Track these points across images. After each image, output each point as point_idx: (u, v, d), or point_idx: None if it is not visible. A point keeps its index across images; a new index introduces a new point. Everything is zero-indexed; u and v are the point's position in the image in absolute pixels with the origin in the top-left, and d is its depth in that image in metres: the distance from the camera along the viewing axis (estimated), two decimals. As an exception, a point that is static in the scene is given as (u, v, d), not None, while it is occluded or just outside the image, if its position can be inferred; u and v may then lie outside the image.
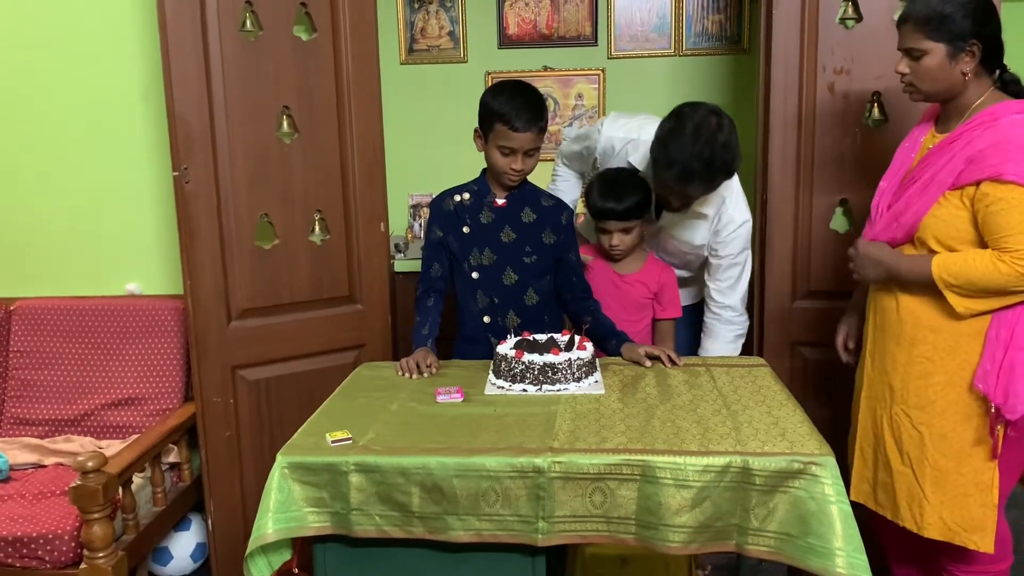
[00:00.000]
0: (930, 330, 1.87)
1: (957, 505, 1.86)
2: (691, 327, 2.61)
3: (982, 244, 1.79)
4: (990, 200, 1.73)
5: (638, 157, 2.41)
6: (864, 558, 1.48)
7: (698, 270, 2.57)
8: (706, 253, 2.46)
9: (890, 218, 1.93)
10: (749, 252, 2.47)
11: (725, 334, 2.48)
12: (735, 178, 2.35)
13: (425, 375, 2.08)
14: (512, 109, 2.09)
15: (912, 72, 1.84)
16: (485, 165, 2.25)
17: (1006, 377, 1.77)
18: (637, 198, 2.30)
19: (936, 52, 1.79)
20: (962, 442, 1.85)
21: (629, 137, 2.43)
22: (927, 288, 1.83)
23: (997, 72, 1.86)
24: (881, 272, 1.92)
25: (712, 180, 2.21)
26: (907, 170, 1.95)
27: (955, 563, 1.99)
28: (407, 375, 2.08)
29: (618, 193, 2.31)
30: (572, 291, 2.31)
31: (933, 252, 1.84)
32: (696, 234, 2.44)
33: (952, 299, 1.79)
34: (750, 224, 2.44)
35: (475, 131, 2.21)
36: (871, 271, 1.94)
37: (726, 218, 2.40)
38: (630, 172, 2.35)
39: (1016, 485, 1.98)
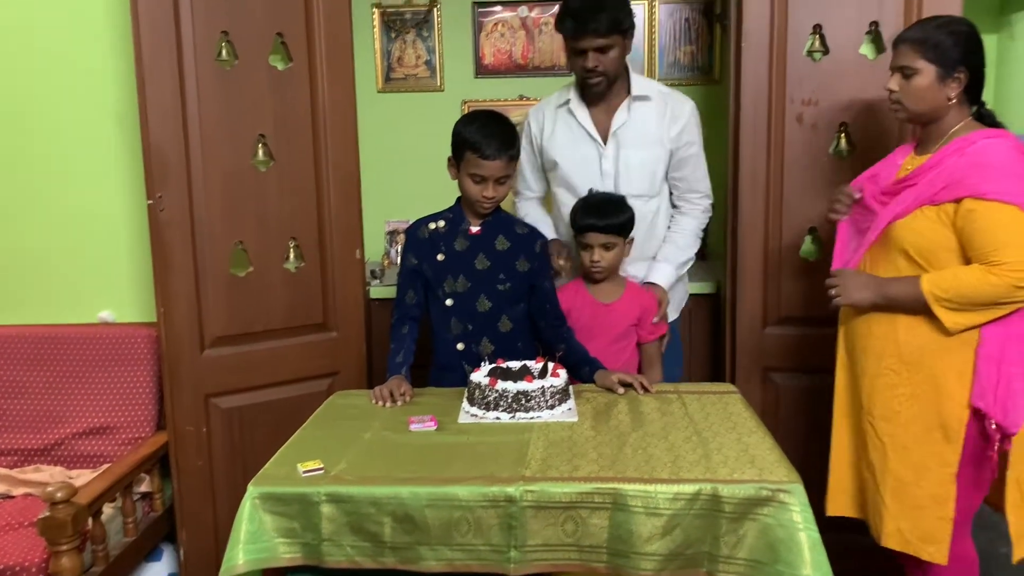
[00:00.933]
0: (895, 343, 1.93)
1: (914, 516, 1.91)
2: (677, 337, 2.68)
3: (959, 257, 1.86)
4: (974, 218, 1.80)
5: (547, 102, 2.58)
6: (831, 583, 1.50)
7: (660, 186, 2.55)
8: (669, 147, 2.49)
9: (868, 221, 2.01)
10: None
11: (693, 227, 2.58)
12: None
13: (399, 403, 2.08)
14: (483, 138, 2.12)
15: (902, 90, 1.93)
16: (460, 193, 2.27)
17: (1004, 394, 1.82)
18: (620, 217, 2.33)
19: (927, 73, 1.88)
20: (923, 455, 1.90)
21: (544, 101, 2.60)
22: (914, 309, 1.88)
23: (976, 107, 1.95)
24: (868, 294, 1.96)
25: (605, 8, 2.28)
26: (888, 183, 2.00)
27: None
28: (381, 403, 2.09)
29: (601, 209, 2.35)
30: (546, 318, 2.32)
31: (912, 262, 1.91)
32: (650, 124, 2.47)
33: (942, 314, 1.83)
34: (695, 106, 2.55)
35: (448, 160, 2.23)
36: (858, 294, 1.97)
37: (673, 100, 2.50)
38: (614, 196, 2.39)
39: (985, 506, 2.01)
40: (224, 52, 2.39)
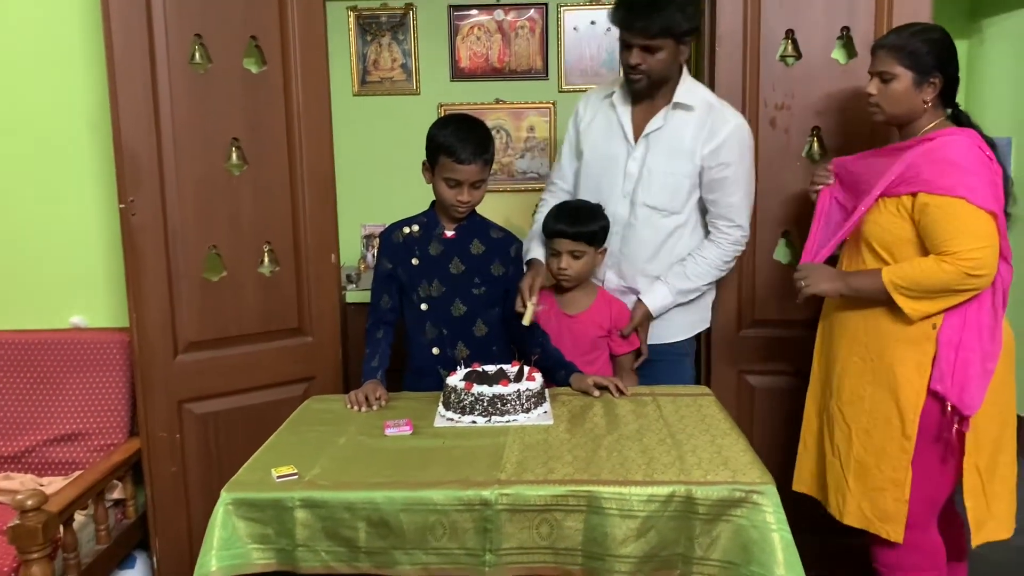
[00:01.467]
0: (864, 332, 2.05)
1: (874, 497, 2.03)
2: (690, 361, 2.54)
3: (919, 249, 1.96)
4: (928, 211, 1.91)
5: (599, 90, 2.49)
6: (804, 584, 1.51)
7: (684, 205, 2.34)
8: (699, 164, 2.28)
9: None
10: (752, 165, 2.35)
11: (713, 257, 2.35)
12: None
13: (374, 408, 2.08)
14: (457, 142, 2.12)
15: (880, 94, 2.03)
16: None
17: (960, 378, 1.92)
18: (591, 226, 2.29)
19: (904, 78, 1.99)
20: (883, 440, 2.01)
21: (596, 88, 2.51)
22: (878, 299, 1.98)
23: (951, 110, 2.06)
24: (834, 285, 2.06)
25: (662, 8, 2.13)
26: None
27: (886, 567, 2.09)
28: (356, 408, 2.08)
29: (573, 216, 2.31)
30: (519, 319, 2.31)
31: (875, 255, 2.02)
32: (685, 136, 2.28)
33: (902, 302, 1.93)
34: (746, 127, 2.32)
35: (423, 163, 2.23)
36: (824, 284, 2.06)
37: (717, 115, 2.28)
38: (590, 204, 2.34)
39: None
40: (197, 55, 2.37)
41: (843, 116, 2.48)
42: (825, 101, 2.49)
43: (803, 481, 2.26)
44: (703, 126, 2.28)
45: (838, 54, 2.49)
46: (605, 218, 2.34)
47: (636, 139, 2.34)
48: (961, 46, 4.23)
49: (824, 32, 2.48)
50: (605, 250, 2.37)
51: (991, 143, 1.99)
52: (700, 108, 2.29)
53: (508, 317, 2.31)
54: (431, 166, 2.20)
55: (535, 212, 2.57)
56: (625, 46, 2.23)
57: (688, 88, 2.32)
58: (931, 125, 2.02)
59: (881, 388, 2.01)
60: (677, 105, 2.30)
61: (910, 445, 1.98)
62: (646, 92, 2.30)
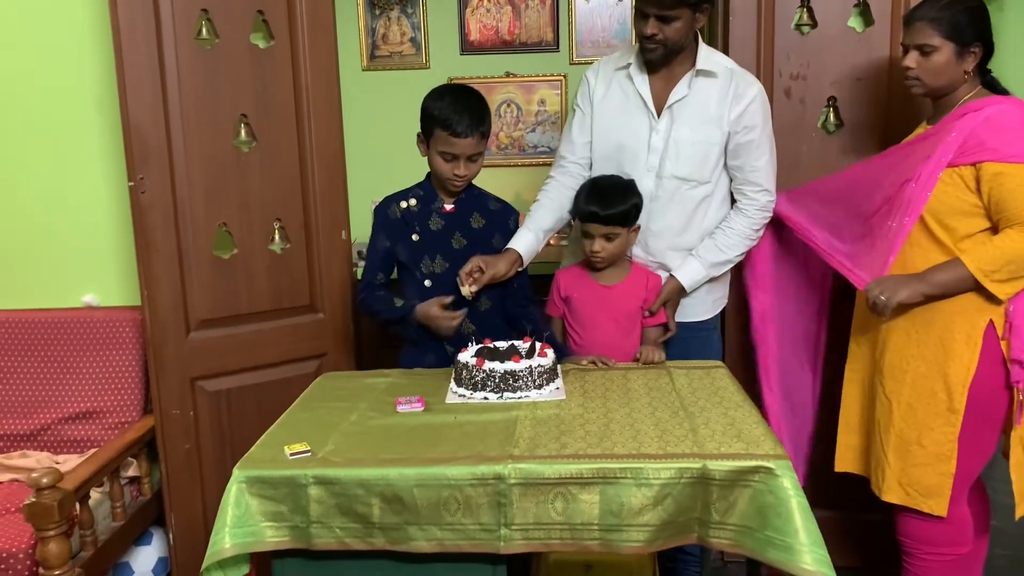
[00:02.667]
0: (911, 305, 1.97)
1: (916, 473, 1.99)
2: (718, 335, 2.52)
3: (976, 219, 1.91)
4: (1002, 181, 1.86)
5: (610, 60, 2.39)
6: (825, 552, 1.50)
7: (712, 173, 2.29)
8: (727, 130, 2.24)
9: (884, 194, 2.04)
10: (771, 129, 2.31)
11: (742, 226, 2.30)
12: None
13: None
14: (453, 114, 2.08)
15: (919, 67, 1.98)
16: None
17: None
18: (623, 206, 2.21)
19: (946, 49, 1.94)
20: (927, 414, 1.97)
21: (604, 59, 2.41)
22: (962, 290, 1.92)
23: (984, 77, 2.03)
24: (915, 288, 1.94)
25: None
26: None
27: (915, 541, 2.06)
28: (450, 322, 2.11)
29: (605, 198, 2.22)
30: (513, 296, 2.30)
31: (924, 228, 1.96)
32: (711, 103, 2.24)
33: (995, 288, 1.88)
34: (764, 90, 2.29)
35: (418, 135, 2.19)
36: (904, 291, 1.94)
37: (740, 79, 2.24)
38: (622, 181, 2.25)
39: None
40: (204, 31, 2.35)
41: (859, 86, 2.44)
42: (841, 71, 2.45)
43: (845, 460, 2.21)
44: (728, 91, 2.23)
45: (854, 22, 2.44)
46: (638, 195, 2.25)
47: (659, 111, 2.27)
48: (980, 12, 4.19)
49: (840, 0, 2.43)
50: (639, 227, 2.29)
51: None
52: (722, 74, 2.24)
53: (505, 292, 2.29)
54: (426, 138, 2.16)
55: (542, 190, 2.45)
56: (641, 15, 2.16)
57: (707, 55, 2.26)
58: (971, 94, 1.98)
59: (927, 361, 1.97)
60: (700, 72, 2.24)
61: (957, 419, 1.94)
62: (662, 62, 2.24)
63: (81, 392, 2.62)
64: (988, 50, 1.97)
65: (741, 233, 2.30)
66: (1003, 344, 1.92)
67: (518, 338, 2.12)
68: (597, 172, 2.34)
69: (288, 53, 2.48)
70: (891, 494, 2.02)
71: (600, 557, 2.15)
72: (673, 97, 2.25)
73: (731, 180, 2.32)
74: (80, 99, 2.65)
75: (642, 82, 2.28)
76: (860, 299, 2.17)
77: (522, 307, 2.30)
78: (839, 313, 2.36)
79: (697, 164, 2.26)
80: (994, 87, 2.01)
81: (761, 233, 2.35)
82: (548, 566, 2.23)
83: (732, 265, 2.36)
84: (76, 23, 2.60)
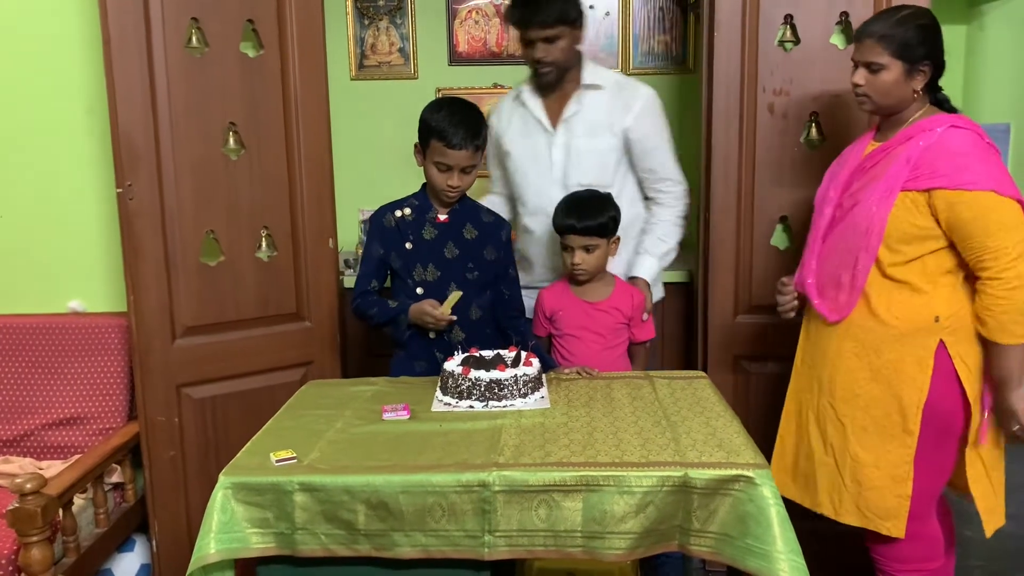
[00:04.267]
0: (860, 328, 1.97)
1: (873, 495, 1.97)
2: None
3: (926, 244, 1.89)
4: (959, 209, 1.83)
5: (506, 97, 2.64)
6: (802, 560, 1.53)
7: (613, 177, 2.51)
8: (621, 137, 2.49)
9: (841, 217, 2.02)
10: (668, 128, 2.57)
11: (670, 216, 2.58)
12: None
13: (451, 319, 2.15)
14: (449, 126, 2.11)
15: (868, 84, 1.95)
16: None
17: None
18: (601, 218, 2.28)
19: (894, 68, 1.91)
20: (881, 437, 1.96)
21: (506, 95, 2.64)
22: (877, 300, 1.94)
23: (934, 94, 2.00)
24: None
25: (551, 0, 2.33)
26: (850, 171, 2.05)
27: (886, 559, 2.06)
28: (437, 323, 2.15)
29: (581, 209, 2.29)
30: (504, 307, 2.33)
31: (891, 250, 1.92)
32: (600, 113, 2.48)
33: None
34: (656, 95, 2.55)
35: (415, 146, 2.23)
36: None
37: (628, 89, 2.52)
38: (599, 194, 2.34)
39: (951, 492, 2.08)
40: (194, 39, 2.36)
41: (841, 103, 2.47)
42: (823, 87, 2.49)
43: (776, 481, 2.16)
44: (616, 100, 2.49)
45: (837, 39, 2.49)
46: (615, 208, 2.33)
47: (555, 127, 2.50)
48: (960, 31, 4.25)
49: (823, 17, 2.47)
50: (618, 239, 2.37)
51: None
52: (610, 87, 2.50)
53: (496, 303, 2.32)
54: (422, 149, 2.19)
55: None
56: (528, 43, 2.40)
57: (592, 70, 2.52)
58: (919, 113, 1.96)
59: (880, 384, 1.95)
60: (587, 87, 2.49)
61: (912, 441, 1.92)
62: (556, 82, 2.47)
63: (66, 398, 2.61)
64: (938, 68, 1.95)
65: (672, 222, 2.58)
66: (957, 363, 1.90)
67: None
68: (516, 193, 2.61)
69: (278, 62, 2.49)
70: (849, 516, 2.00)
71: (583, 564, 2.16)
72: (567, 113, 2.50)
73: (642, 181, 2.59)
74: (70, 105, 2.65)
75: (535, 104, 2.53)
76: (805, 320, 2.15)
77: (513, 319, 2.33)
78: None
79: (598, 170, 2.49)
80: (942, 105, 1.99)
81: (687, 220, 2.61)
82: (532, 572, 2.24)
83: (675, 253, 2.62)
84: (67, 30, 2.61)
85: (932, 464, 1.96)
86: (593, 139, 2.48)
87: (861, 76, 1.95)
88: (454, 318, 2.15)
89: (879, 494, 1.96)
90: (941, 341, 1.90)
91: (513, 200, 2.68)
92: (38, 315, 2.71)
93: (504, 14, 2.46)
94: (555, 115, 2.51)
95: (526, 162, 2.54)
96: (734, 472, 1.57)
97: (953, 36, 4.37)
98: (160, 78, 2.32)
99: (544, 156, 2.51)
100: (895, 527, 1.96)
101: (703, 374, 2.23)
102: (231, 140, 2.45)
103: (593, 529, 1.59)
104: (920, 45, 1.90)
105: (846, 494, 2.00)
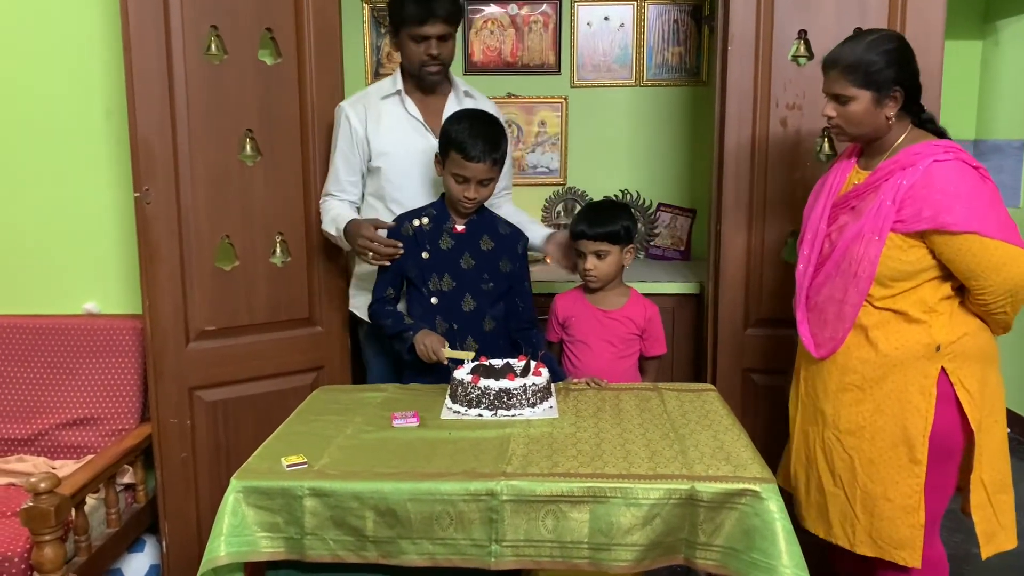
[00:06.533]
0: (860, 360, 1.95)
1: (886, 526, 1.94)
2: None
3: (923, 275, 1.88)
4: (947, 250, 1.84)
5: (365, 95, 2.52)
6: (807, 575, 1.53)
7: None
8: None
9: (829, 250, 2.00)
10: None
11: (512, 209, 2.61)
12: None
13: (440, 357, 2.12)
14: (468, 139, 2.13)
15: (839, 116, 1.92)
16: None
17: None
18: (613, 225, 2.30)
19: (863, 98, 1.88)
20: (889, 468, 1.93)
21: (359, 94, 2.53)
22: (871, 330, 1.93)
23: (916, 115, 1.97)
24: None
25: None
26: (834, 201, 2.03)
27: None
28: (431, 354, 2.12)
29: (595, 216, 2.33)
30: (518, 318, 2.35)
31: (882, 286, 1.91)
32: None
33: None
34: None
35: (435, 156, 2.25)
36: None
37: (482, 99, 2.56)
38: (615, 203, 2.36)
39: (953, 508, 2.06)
40: (213, 46, 2.39)
41: (854, 117, 2.48)
42: (836, 102, 2.49)
43: (809, 520, 2.10)
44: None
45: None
46: (629, 217, 2.35)
47: (435, 130, 2.40)
48: (975, 47, 4.25)
49: (836, 32, 2.46)
50: (634, 248, 2.38)
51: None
52: (478, 97, 2.55)
53: (509, 314, 2.34)
54: (442, 159, 2.21)
55: (321, 211, 2.53)
56: (420, 39, 2.35)
57: (458, 79, 2.54)
58: (903, 138, 1.92)
59: (884, 416, 1.92)
60: (466, 93, 2.51)
61: (921, 470, 1.90)
62: (438, 83, 2.46)
63: (79, 398, 2.64)
64: (912, 91, 1.90)
65: (521, 212, 2.64)
66: (958, 389, 1.89)
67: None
68: (392, 195, 2.45)
69: (295, 70, 2.52)
70: (863, 547, 1.98)
71: (589, 575, 2.17)
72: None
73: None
74: (89, 110, 2.69)
75: (413, 108, 2.47)
76: (801, 351, 2.12)
77: (525, 330, 2.35)
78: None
79: None
80: (926, 125, 1.96)
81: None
82: (537, 583, 2.25)
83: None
84: (87, 36, 2.65)
85: (936, 489, 1.95)
86: None
87: (831, 108, 1.93)
88: (446, 363, 2.12)
89: (892, 524, 1.93)
90: (943, 368, 1.90)
91: (369, 202, 2.52)
92: (54, 316, 2.74)
93: (391, 10, 2.39)
94: (432, 118, 2.45)
95: (406, 166, 2.44)
96: (741, 486, 1.58)
97: (968, 52, 4.37)
98: (179, 84, 2.35)
99: (428, 159, 2.40)
100: (911, 557, 1.93)
101: (712, 387, 2.23)
102: (248, 146, 2.48)
103: (599, 540, 1.60)
104: (887, 70, 1.85)
105: (859, 526, 1.97)
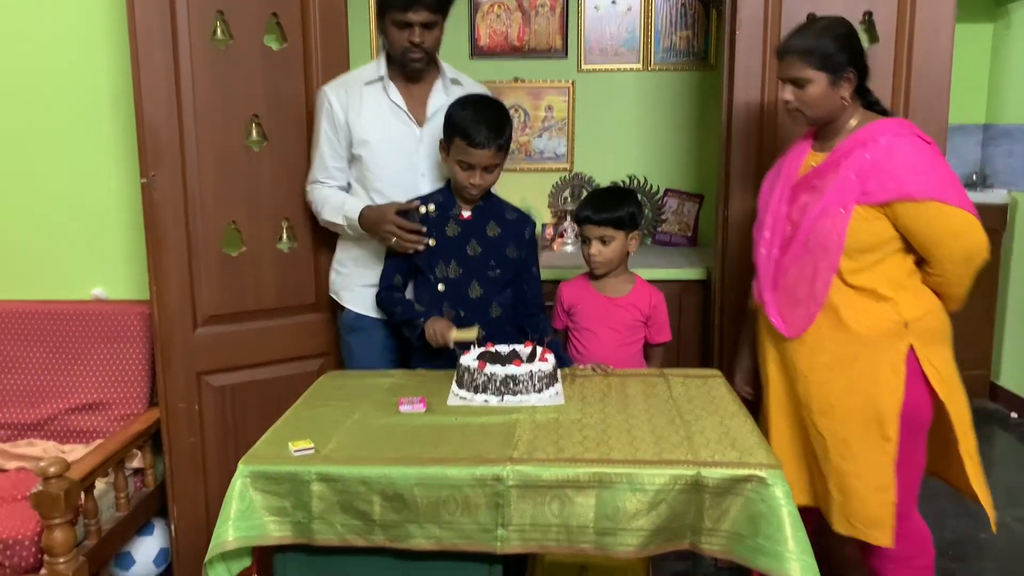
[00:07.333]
0: (831, 340, 1.99)
1: (857, 505, 1.99)
2: None
3: (888, 246, 1.95)
4: (906, 219, 1.90)
5: (346, 79, 2.42)
6: (813, 561, 1.54)
7: None
8: None
9: (792, 232, 2.05)
10: None
11: None
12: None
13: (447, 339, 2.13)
14: (472, 124, 2.12)
15: (797, 99, 1.99)
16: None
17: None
18: (618, 211, 2.30)
19: (819, 81, 1.96)
20: (861, 446, 1.98)
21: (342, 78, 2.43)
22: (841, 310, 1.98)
23: (865, 97, 2.05)
24: None
25: None
26: (792, 184, 2.08)
27: (880, 562, 2.09)
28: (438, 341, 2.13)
29: (600, 202, 2.34)
30: (525, 304, 2.35)
31: (855, 261, 1.96)
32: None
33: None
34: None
35: (440, 142, 2.24)
36: None
37: (470, 84, 2.49)
38: (622, 188, 2.37)
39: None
40: (219, 31, 2.39)
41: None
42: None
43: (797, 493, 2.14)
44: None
45: (860, 39, 2.47)
46: (635, 203, 2.35)
47: (418, 118, 2.38)
48: (986, 30, 4.22)
49: (845, 16, 2.45)
50: (639, 234, 2.38)
51: None
52: (464, 81, 2.46)
53: (517, 301, 2.33)
54: (447, 145, 2.21)
55: (310, 199, 2.48)
56: (403, 26, 2.26)
57: (446, 65, 2.45)
58: (855, 121, 2.00)
59: (857, 395, 1.97)
60: (453, 81, 2.43)
61: (891, 447, 1.95)
62: (421, 71, 2.37)
63: (88, 383, 2.66)
64: (863, 73, 2.00)
65: None
66: (925, 366, 1.94)
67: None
68: (374, 184, 2.38)
69: (300, 55, 2.51)
70: (838, 526, 2.02)
71: (594, 559, 2.19)
72: (432, 106, 2.39)
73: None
74: (95, 96, 2.69)
75: (397, 95, 2.38)
76: (766, 330, 2.15)
77: (532, 315, 2.35)
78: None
79: None
80: (873, 107, 2.05)
81: None
82: (543, 566, 2.26)
83: None
84: (93, 21, 2.65)
85: (911, 464, 2.00)
86: None
87: (789, 92, 2.01)
88: (452, 347, 2.13)
89: (863, 504, 1.98)
90: (911, 345, 1.95)
91: (353, 188, 2.46)
92: (62, 301, 2.75)
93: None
94: (416, 106, 2.39)
95: (390, 154, 2.37)
96: (746, 472, 1.58)
97: (979, 35, 4.34)
98: (185, 70, 2.35)
99: (410, 148, 2.37)
100: (883, 536, 1.97)
101: (718, 372, 2.23)
102: (254, 132, 2.48)
103: (605, 525, 1.60)
104: (840, 53, 1.95)
105: (833, 504, 2.01)
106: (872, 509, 1.97)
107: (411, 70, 2.36)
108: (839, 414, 1.99)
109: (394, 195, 2.33)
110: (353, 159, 2.41)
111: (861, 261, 1.95)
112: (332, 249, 2.60)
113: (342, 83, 2.41)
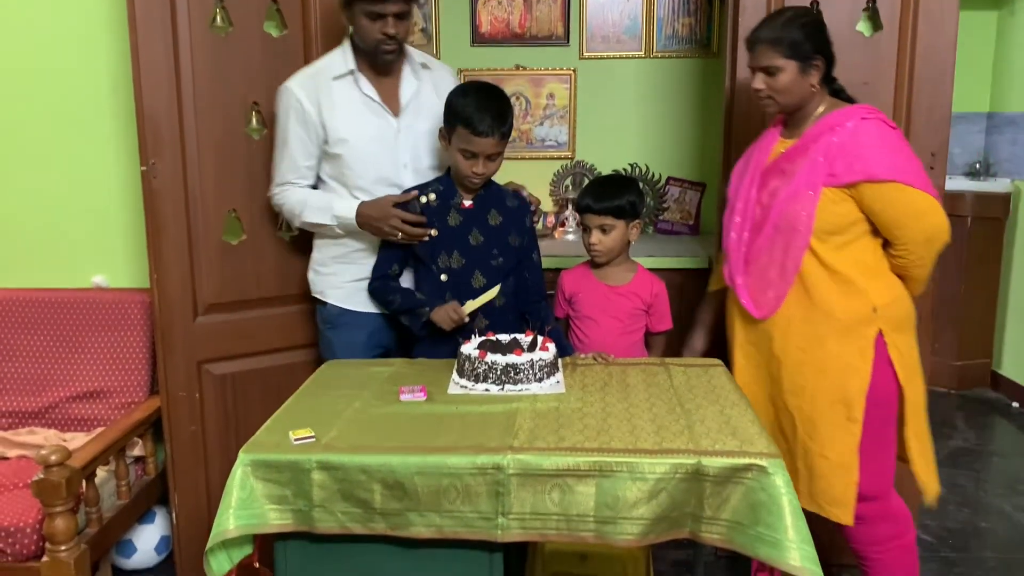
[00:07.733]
0: (802, 321, 2.06)
1: (822, 483, 2.06)
2: None
3: (857, 227, 2.02)
4: (871, 200, 1.98)
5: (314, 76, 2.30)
6: (813, 550, 1.54)
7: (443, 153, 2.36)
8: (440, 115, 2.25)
9: (763, 215, 2.10)
10: None
11: None
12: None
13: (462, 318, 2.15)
14: (475, 112, 2.10)
15: (769, 87, 2.06)
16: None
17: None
18: (618, 200, 2.30)
19: (789, 68, 2.02)
20: (827, 426, 2.04)
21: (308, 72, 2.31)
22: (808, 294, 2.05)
23: (831, 86, 2.12)
24: None
25: None
26: (762, 170, 2.14)
27: (862, 543, 2.14)
28: (451, 324, 2.16)
29: (601, 190, 2.34)
30: (527, 291, 2.34)
31: (826, 244, 2.03)
32: (433, 94, 2.35)
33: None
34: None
35: (440, 130, 2.23)
36: None
37: (442, 72, 2.47)
38: (623, 177, 2.36)
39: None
40: (219, 19, 2.38)
41: (869, 90, 2.45)
42: (849, 75, 2.45)
43: None
44: (440, 81, 2.40)
45: (863, 27, 2.46)
46: (636, 192, 2.35)
47: (394, 110, 2.32)
48: (991, 17, 4.20)
49: (849, 5, 2.44)
50: (640, 223, 2.39)
51: None
52: (432, 64, 2.43)
53: (518, 288, 2.33)
54: (448, 134, 2.19)
55: (280, 202, 2.38)
56: (376, 17, 2.17)
57: (412, 49, 2.40)
58: (823, 108, 2.07)
59: (826, 377, 2.03)
60: (424, 65, 2.39)
61: (857, 428, 2.01)
62: (393, 62, 2.30)
63: (89, 371, 2.66)
64: (829, 61, 2.06)
65: None
66: (891, 351, 2.02)
67: None
68: (356, 183, 2.31)
69: (301, 42, 2.50)
70: (804, 503, 2.01)
71: (595, 548, 2.19)
72: (406, 95, 2.34)
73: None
74: (95, 84, 2.69)
75: (369, 88, 2.30)
76: (736, 314, 2.22)
77: (534, 303, 2.34)
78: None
79: (436, 155, 2.39)
80: (839, 95, 2.11)
81: None
82: (544, 555, 2.27)
83: None
84: (93, 9, 2.64)
85: (882, 445, 2.07)
86: (430, 121, 2.32)
87: (760, 81, 2.06)
88: (467, 320, 2.16)
89: (827, 482, 2.05)
90: (880, 330, 2.01)
91: (331, 187, 2.37)
92: (63, 290, 2.76)
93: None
94: (389, 97, 2.32)
95: (370, 149, 2.30)
96: (747, 461, 1.58)
97: (984, 22, 4.31)
98: (184, 57, 2.34)
99: (390, 141, 2.31)
100: (843, 514, 2.04)
101: (719, 362, 2.23)
102: (254, 119, 2.47)
103: (605, 514, 1.60)
104: (808, 41, 2.01)
105: (801, 481, 2.08)
106: (835, 488, 2.04)
107: (383, 62, 2.27)
108: (808, 394, 2.06)
109: (377, 190, 2.28)
110: (328, 157, 2.32)
111: (829, 243, 2.02)
112: (333, 237, 2.60)
113: (308, 78, 2.29)
